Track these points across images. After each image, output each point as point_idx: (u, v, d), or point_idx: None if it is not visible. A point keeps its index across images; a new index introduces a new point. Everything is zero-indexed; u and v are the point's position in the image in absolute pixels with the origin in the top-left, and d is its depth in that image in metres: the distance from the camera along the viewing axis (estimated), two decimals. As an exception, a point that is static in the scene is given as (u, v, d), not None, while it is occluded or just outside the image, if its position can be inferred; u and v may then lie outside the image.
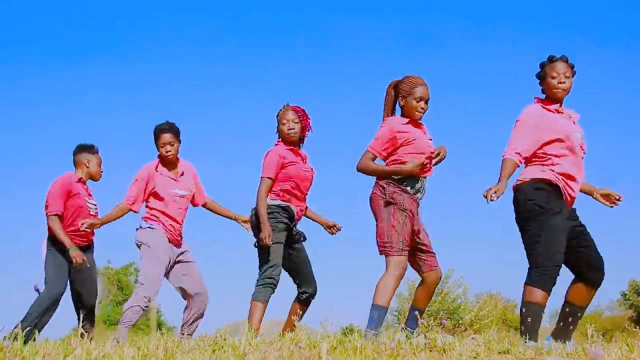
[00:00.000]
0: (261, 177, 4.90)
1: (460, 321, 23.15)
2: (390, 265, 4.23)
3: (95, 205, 5.83)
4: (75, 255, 5.48)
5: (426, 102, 4.44)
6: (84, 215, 5.66)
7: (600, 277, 4.23)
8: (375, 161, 4.41)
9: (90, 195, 5.84)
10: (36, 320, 5.36)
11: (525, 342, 3.78)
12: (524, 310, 4.02)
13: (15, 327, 5.09)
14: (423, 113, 4.45)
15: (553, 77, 4.26)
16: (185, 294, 5.29)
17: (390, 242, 4.24)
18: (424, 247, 4.45)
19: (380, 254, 4.29)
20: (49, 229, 5.63)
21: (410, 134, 4.40)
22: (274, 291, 4.80)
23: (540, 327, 4.05)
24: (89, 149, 5.85)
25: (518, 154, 4.16)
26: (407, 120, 4.45)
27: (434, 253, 4.50)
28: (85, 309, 5.72)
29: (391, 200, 4.30)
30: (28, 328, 5.15)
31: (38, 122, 30.58)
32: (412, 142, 4.39)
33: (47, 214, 5.62)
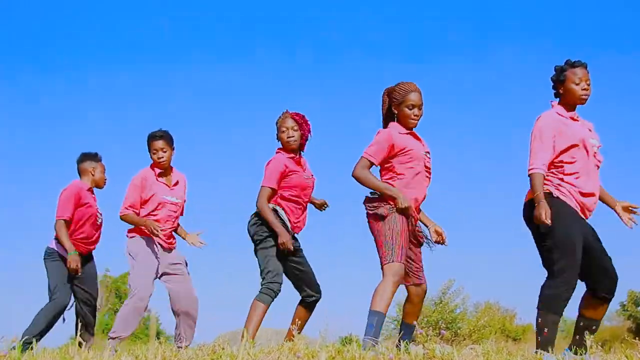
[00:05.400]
0: (262, 186, 4.84)
1: (459, 331, 23.09)
2: (386, 271, 4.21)
3: (101, 215, 5.85)
4: (73, 259, 5.48)
5: (419, 108, 4.41)
6: (93, 224, 5.72)
7: (612, 292, 4.14)
8: (370, 168, 4.38)
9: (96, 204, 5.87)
10: (43, 329, 5.38)
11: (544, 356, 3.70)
12: (540, 321, 3.93)
13: (23, 337, 5.12)
14: (417, 120, 4.43)
15: (577, 83, 4.17)
16: (173, 307, 5.34)
17: (386, 250, 4.23)
18: (415, 258, 4.44)
19: (380, 261, 4.28)
20: (56, 234, 5.65)
21: (407, 143, 4.39)
22: (276, 296, 4.73)
23: (556, 336, 3.97)
24: (93, 157, 5.88)
25: (544, 165, 4.08)
26: (406, 130, 4.45)
27: (422, 268, 4.49)
28: (85, 317, 5.73)
29: (382, 212, 4.29)
30: (34, 337, 5.19)
31: (40, 131, 30.60)
32: (408, 152, 4.37)
33: (56, 218, 5.65)
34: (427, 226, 4.59)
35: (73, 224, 5.65)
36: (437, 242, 4.55)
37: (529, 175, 4.11)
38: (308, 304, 4.93)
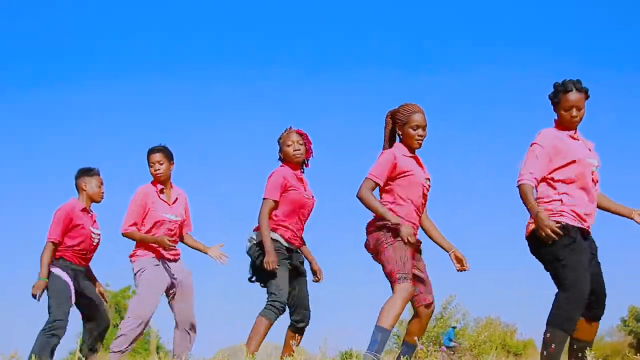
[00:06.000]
0: (264, 199, 4.82)
1: (460, 346, 23.01)
2: (396, 290, 4.18)
3: (99, 234, 5.75)
4: (39, 285, 5.39)
5: (423, 129, 4.41)
6: (88, 245, 5.65)
7: (601, 312, 4.14)
8: (374, 190, 4.35)
9: (94, 222, 5.77)
10: (53, 346, 5.34)
11: None
12: (548, 336, 3.91)
13: (32, 357, 5.09)
14: (421, 140, 4.42)
15: (567, 110, 4.19)
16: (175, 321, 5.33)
17: (394, 269, 4.20)
18: (421, 277, 4.41)
19: (390, 282, 4.24)
20: (55, 255, 5.58)
21: (409, 166, 4.38)
22: (281, 313, 4.68)
23: (561, 354, 3.93)
24: (87, 172, 5.80)
25: (535, 178, 4.08)
26: (410, 153, 4.44)
27: (430, 287, 4.45)
28: (94, 334, 5.69)
29: (386, 231, 4.28)
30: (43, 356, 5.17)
31: (44, 144, 30.68)
32: (409, 176, 4.35)
33: (46, 239, 5.58)
34: (446, 250, 4.52)
35: (70, 244, 5.57)
36: (459, 270, 4.46)
37: (517, 187, 4.09)
38: (297, 329, 4.90)
